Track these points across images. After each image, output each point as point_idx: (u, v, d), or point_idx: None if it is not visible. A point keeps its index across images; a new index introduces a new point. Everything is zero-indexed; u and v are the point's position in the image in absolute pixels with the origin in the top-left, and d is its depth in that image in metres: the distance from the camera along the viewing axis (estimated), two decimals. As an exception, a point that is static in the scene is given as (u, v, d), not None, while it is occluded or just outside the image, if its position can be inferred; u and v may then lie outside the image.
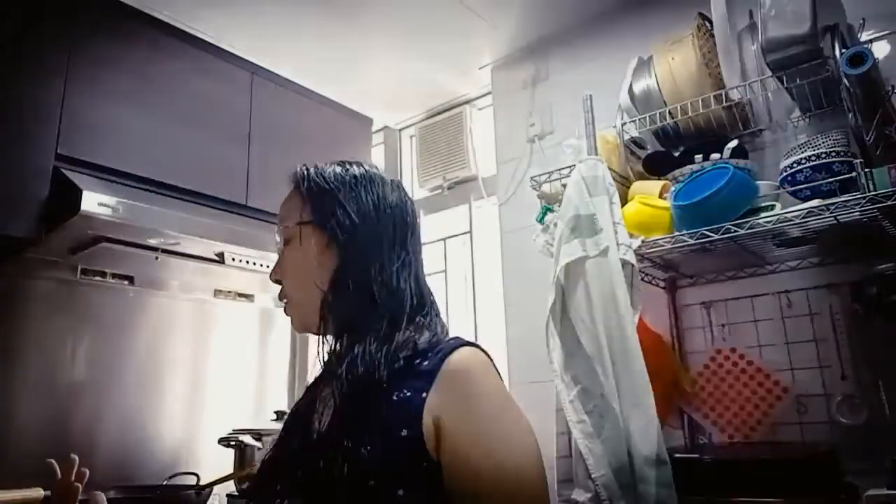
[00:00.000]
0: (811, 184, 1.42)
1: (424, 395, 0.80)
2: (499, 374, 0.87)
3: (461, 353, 0.83)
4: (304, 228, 0.94)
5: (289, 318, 0.98)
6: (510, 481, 0.77)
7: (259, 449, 1.97)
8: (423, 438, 0.77)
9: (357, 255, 0.91)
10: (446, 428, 0.78)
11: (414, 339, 0.86)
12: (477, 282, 2.61)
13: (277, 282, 0.97)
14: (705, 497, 1.33)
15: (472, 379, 0.82)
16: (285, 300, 0.97)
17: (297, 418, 0.94)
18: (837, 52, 1.40)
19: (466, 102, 2.77)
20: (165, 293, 2.25)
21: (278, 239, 0.99)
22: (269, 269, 1.00)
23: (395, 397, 0.80)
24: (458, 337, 0.89)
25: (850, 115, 1.39)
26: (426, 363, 0.83)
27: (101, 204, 1.59)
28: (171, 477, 2.01)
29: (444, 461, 0.77)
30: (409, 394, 0.80)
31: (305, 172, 0.99)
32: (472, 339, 0.89)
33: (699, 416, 1.79)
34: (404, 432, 0.78)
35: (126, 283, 2.14)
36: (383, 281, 0.90)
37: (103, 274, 2.09)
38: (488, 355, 0.87)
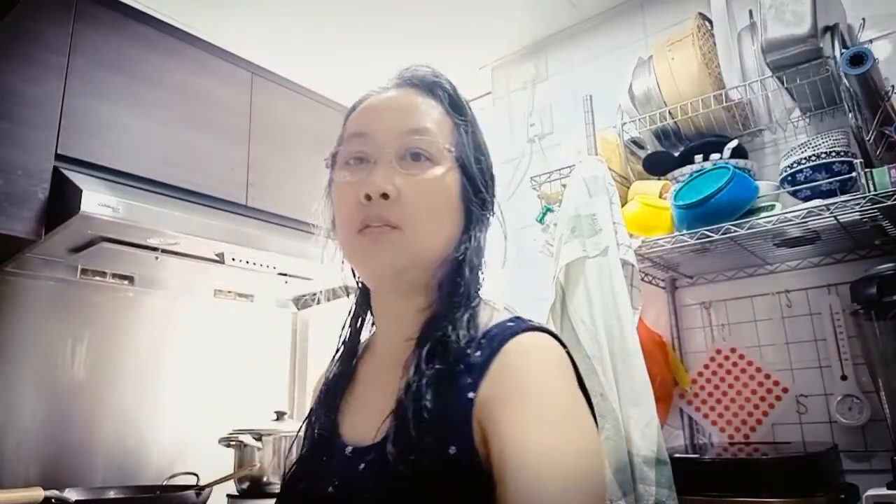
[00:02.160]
0: (811, 184, 1.43)
1: (471, 395, 0.65)
2: (573, 366, 0.70)
3: (520, 341, 0.68)
4: (449, 156, 0.76)
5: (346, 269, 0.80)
6: (556, 493, 0.57)
7: (259, 449, 1.97)
8: (476, 457, 0.62)
9: (484, 225, 0.81)
10: (491, 431, 0.62)
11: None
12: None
13: (385, 196, 0.71)
14: (705, 497, 1.33)
15: (530, 370, 0.66)
16: (389, 225, 0.71)
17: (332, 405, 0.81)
18: (837, 52, 1.41)
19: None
20: (165, 293, 2.25)
21: (412, 146, 0.74)
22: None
23: (451, 396, 0.66)
24: (519, 318, 0.73)
25: (851, 115, 1.39)
26: (478, 353, 0.68)
27: (101, 204, 1.59)
28: (170, 477, 2.01)
29: (493, 469, 0.61)
30: (455, 394, 0.66)
31: (447, 84, 0.81)
32: (539, 323, 0.72)
33: (699, 417, 1.80)
34: (452, 450, 0.63)
35: (126, 282, 2.14)
36: (481, 253, 0.79)
37: (103, 274, 2.08)
38: (560, 341, 0.71)
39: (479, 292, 0.77)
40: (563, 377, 0.67)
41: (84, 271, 2.03)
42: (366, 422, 0.73)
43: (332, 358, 0.86)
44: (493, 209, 0.83)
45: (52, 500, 1.64)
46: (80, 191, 1.56)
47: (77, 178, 1.64)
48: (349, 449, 0.73)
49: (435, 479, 0.62)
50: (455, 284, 0.74)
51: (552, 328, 1.50)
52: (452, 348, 0.68)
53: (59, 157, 1.68)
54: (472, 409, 0.64)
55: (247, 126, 2.16)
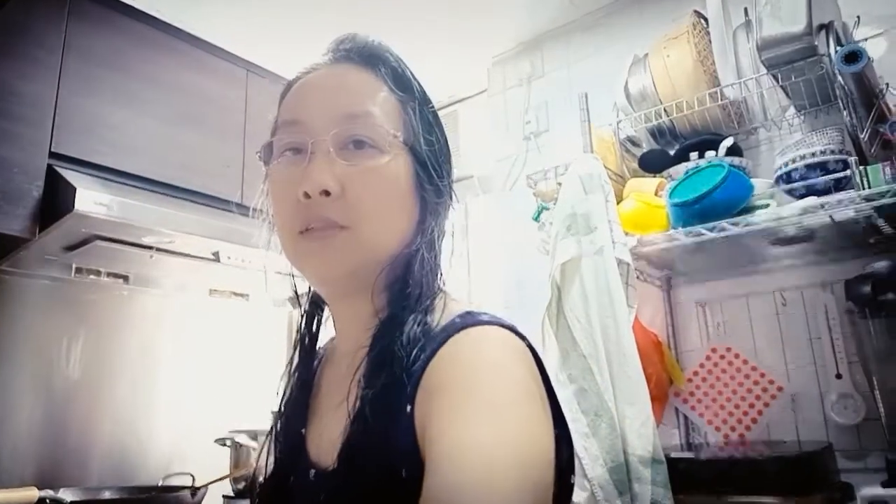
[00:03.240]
0: (806, 182, 1.43)
1: (409, 408, 0.57)
2: (535, 361, 0.64)
3: (459, 340, 0.59)
4: (396, 142, 0.67)
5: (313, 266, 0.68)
6: (477, 486, 0.47)
7: (254, 449, 1.96)
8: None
9: (440, 213, 0.71)
10: (429, 443, 0.53)
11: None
12: (473, 280, 2.61)
13: (325, 193, 0.63)
14: (701, 496, 1.33)
15: (466, 367, 0.57)
16: (340, 226, 0.64)
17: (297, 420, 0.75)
18: (832, 50, 1.41)
19: (461, 101, 2.77)
20: (160, 292, 2.24)
21: (353, 132, 0.65)
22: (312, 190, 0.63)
23: (396, 410, 0.58)
24: (470, 312, 0.64)
25: (845, 113, 1.39)
26: (421, 355, 0.60)
27: (95, 202, 1.59)
28: (166, 477, 2.00)
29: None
30: (397, 408, 0.58)
31: (390, 56, 0.72)
32: (495, 317, 0.65)
33: (695, 416, 1.80)
34: (404, 472, 0.55)
35: (121, 281, 2.14)
36: (437, 245, 0.71)
37: (98, 272, 2.08)
38: (520, 335, 0.65)
39: (438, 288, 0.70)
40: (507, 367, 0.58)
41: (79, 270, 2.03)
42: (327, 441, 0.66)
43: (287, 368, 0.78)
44: (450, 194, 0.73)
45: (47, 501, 1.63)
46: (74, 189, 1.55)
47: (71, 176, 1.64)
48: (312, 472, 0.67)
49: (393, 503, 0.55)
50: (405, 283, 0.66)
51: (548, 327, 1.51)
52: (399, 357, 0.60)
53: (52, 155, 1.67)
54: (413, 423, 0.56)
55: (242, 123, 2.15)
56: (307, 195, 0.63)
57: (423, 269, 0.67)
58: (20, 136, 1.63)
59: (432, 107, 0.75)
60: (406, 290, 0.66)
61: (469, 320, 0.62)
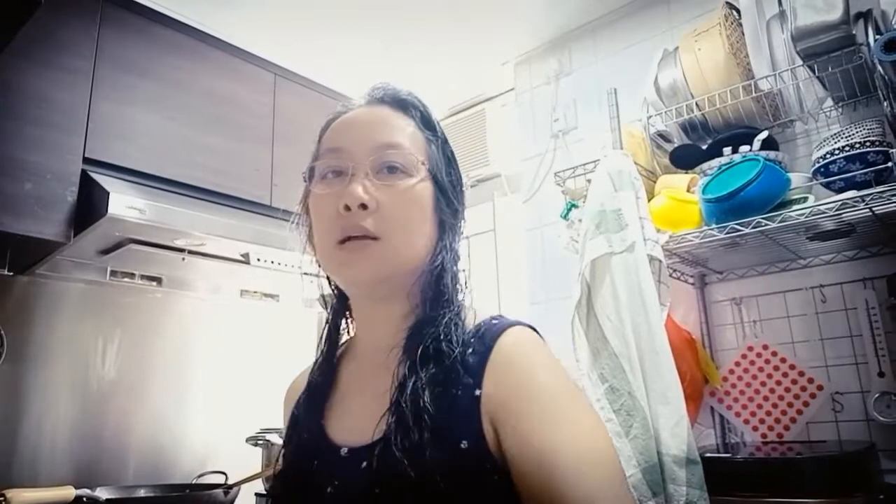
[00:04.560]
0: (845, 175, 1.38)
1: (478, 392, 0.69)
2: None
3: (511, 337, 0.72)
4: (423, 169, 0.78)
5: (353, 268, 0.76)
6: (590, 476, 0.63)
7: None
8: (487, 449, 0.67)
9: (455, 234, 0.83)
10: (505, 424, 0.67)
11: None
12: (501, 280, 2.60)
13: (363, 206, 0.73)
14: (738, 497, 1.30)
15: (528, 364, 0.70)
16: (371, 237, 0.74)
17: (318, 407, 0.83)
18: (871, 39, 1.36)
19: (488, 99, 2.76)
20: (193, 294, 2.27)
21: (387, 159, 0.77)
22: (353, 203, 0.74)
23: (453, 394, 0.70)
24: (500, 315, 0.77)
25: (885, 104, 1.35)
26: (470, 351, 0.72)
27: (128, 206, 1.61)
28: (199, 476, 2.03)
29: (512, 464, 0.66)
30: (460, 392, 0.70)
31: (418, 102, 0.84)
32: (517, 318, 0.77)
33: (731, 415, 1.76)
34: (464, 444, 0.67)
35: (154, 284, 2.17)
36: (458, 260, 0.83)
37: (132, 275, 2.11)
38: (539, 334, 0.76)
39: (461, 297, 0.81)
40: (558, 367, 0.72)
41: (113, 273, 2.06)
42: (356, 424, 0.76)
43: (312, 365, 0.89)
44: (464, 219, 0.85)
45: (84, 499, 1.67)
46: (108, 193, 1.58)
47: (104, 180, 1.67)
48: (344, 450, 0.75)
49: (445, 471, 0.65)
50: (438, 291, 0.78)
51: (577, 325, 1.49)
52: (444, 350, 0.72)
53: (86, 161, 1.71)
54: (480, 405, 0.68)
55: (270, 127, 2.17)
56: (347, 208, 0.73)
57: (451, 278, 0.79)
58: (54, 142, 1.66)
59: (451, 147, 0.86)
60: (441, 296, 0.77)
61: (504, 321, 0.75)
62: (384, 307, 0.80)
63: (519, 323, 0.75)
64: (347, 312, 0.89)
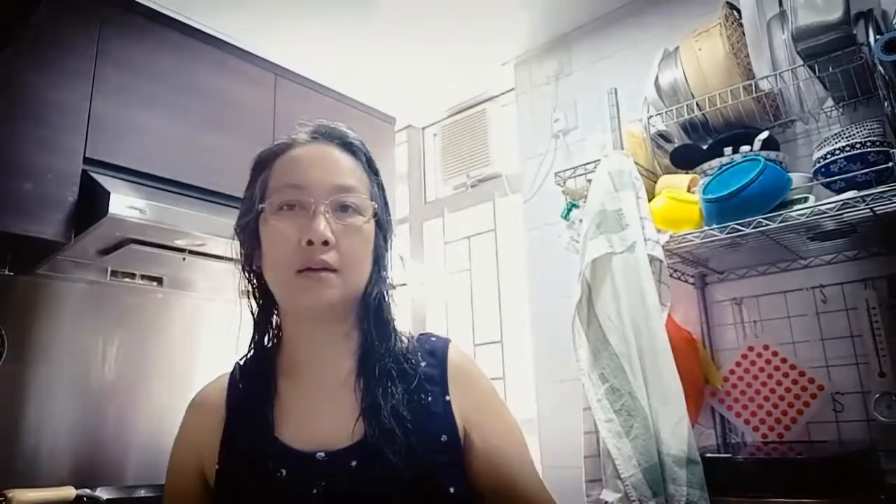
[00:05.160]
0: (846, 175, 1.38)
1: (447, 398, 0.86)
2: None
3: (456, 352, 0.91)
4: (371, 210, 0.89)
5: (319, 288, 0.84)
6: (530, 466, 0.89)
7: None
8: (460, 443, 0.84)
9: (386, 260, 0.93)
10: (474, 427, 0.86)
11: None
12: (501, 279, 2.60)
13: (325, 243, 0.82)
14: (738, 497, 1.30)
15: (477, 376, 0.92)
16: (330, 270, 0.83)
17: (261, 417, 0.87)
18: (871, 39, 1.36)
19: (489, 99, 2.76)
20: (194, 294, 2.27)
21: (345, 200, 0.86)
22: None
23: (423, 400, 0.85)
24: (426, 332, 0.96)
25: (886, 104, 1.35)
26: (424, 364, 0.88)
27: (128, 206, 1.61)
28: (200, 476, 2.03)
29: (474, 457, 0.84)
30: (430, 398, 0.85)
31: (362, 145, 0.94)
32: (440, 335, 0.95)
33: (731, 415, 1.76)
34: (444, 437, 0.83)
35: (155, 284, 2.17)
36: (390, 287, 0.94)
37: (133, 275, 2.11)
38: None
39: (394, 318, 0.93)
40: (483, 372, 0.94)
41: (114, 273, 2.06)
42: (322, 432, 0.83)
43: (233, 377, 0.94)
44: (391, 250, 0.96)
45: (84, 499, 1.66)
46: (108, 193, 1.58)
47: (105, 180, 1.66)
48: (320, 454, 0.81)
49: (429, 463, 0.80)
50: (380, 315, 0.90)
51: (578, 326, 1.49)
52: (406, 366, 0.86)
53: (87, 161, 1.70)
54: (452, 407, 0.86)
55: (271, 127, 2.17)
56: (310, 243, 0.81)
57: (388, 303, 0.92)
58: (55, 142, 1.66)
59: (383, 185, 0.96)
60: (383, 320, 0.90)
61: (441, 338, 0.94)
62: (325, 326, 0.88)
63: (449, 340, 0.94)
64: (270, 328, 0.95)
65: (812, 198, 1.41)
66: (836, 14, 1.40)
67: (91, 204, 1.63)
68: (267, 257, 0.87)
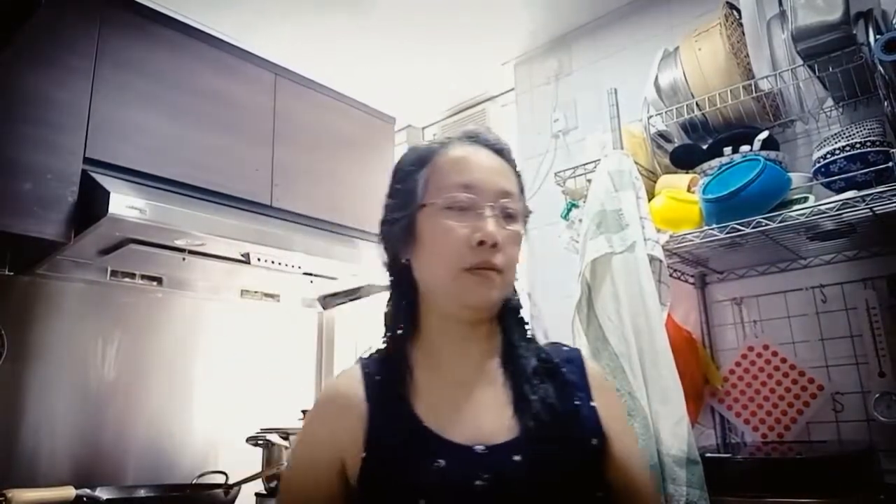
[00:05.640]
0: (846, 174, 1.38)
1: (592, 404, 0.91)
2: None
3: (591, 362, 0.98)
4: (524, 216, 0.95)
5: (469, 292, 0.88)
6: (652, 483, 0.97)
7: (286, 448, 1.97)
8: (605, 448, 0.88)
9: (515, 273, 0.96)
10: (614, 438, 0.89)
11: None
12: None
13: (494, 246, 0.87)
14: (738, 497, 1.30)
15: (613, 387, 1.03)
16: (497, 270, 0.88)
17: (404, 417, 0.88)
18: (871, 39, 1.36)
19: (489, 99, 2.76)
20: (193, 294, 2.27)
21: (509, 207, 0.91)
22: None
23: (572, 402, 0.89)
24: (556, 342, 1.03)
25: (886, 104, 1.35)
26: (566, 370, 0.93)
27: (128, 206, 1.61)
28: (199, 476, 2.03)
29: (609, 467, 0.88)
30: (577, 401, 0.90)
31: (511, 152, 0.98)
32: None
33: (731, 415, 1.76)
34: (594, 441, 0.87)
35: (155, 283, 2.17)
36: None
37: (132, 275, 2.11)
38: None
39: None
40: None
41: (114, 273, 2.06)
42: (473, 424, 0.86)
43: (366, 368, 0.93)
44: None
45: (84, 499, 1.66)
46: (108, 193, 1.58)
47: (105, 180, 1.66)
48: (480, 448, 0.83)
49: (581, 464, 0.85)
50: (519, 319, 0.96)
51: (578, 325, 1.49)
52: (545, 361, 0.93)
53: (87, 161, 1.70)
54: (598, 414, 0.90)
55: (271, 127, 2.17)
56: (482, 243, 0.86)
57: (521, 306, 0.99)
58: (54, 142, 1.66)
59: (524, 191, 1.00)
60: (522, 319, 0.97)
61: (573, 348, 1.03)
62: (473, 324, 0.92)
63: (579, 349, 1.02)
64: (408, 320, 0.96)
65: (812, 198, 1.41)
66: (836, 14, 1.40)
67: (91, 204, 1.63)
68: (430, 252, 0.90)
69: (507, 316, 0.95)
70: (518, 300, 0.97)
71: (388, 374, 0.91)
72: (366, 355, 0.96)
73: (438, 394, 0.89)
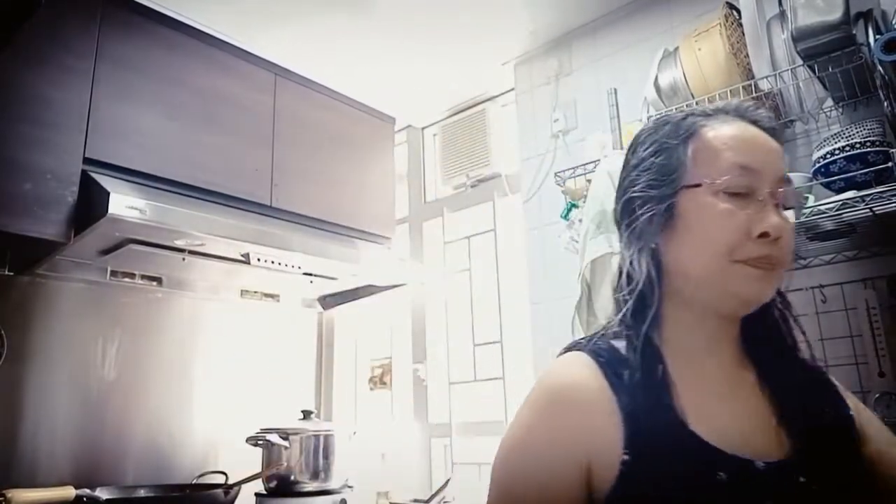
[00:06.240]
0: (845, 175, 1.38)
1: (851, 412, 0.81)
2: None
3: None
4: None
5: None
6: None
7: (286, 448, 1.98)
8: (865, 463, 0.78)
9: None
10: (870, 445, 0.79)
11: None
12: (501, 280, 2.60)
13: (777, 239, 0.76)
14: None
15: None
16: (773, 266, 0.77)
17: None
18: (871, 39, 1.36)
19: (489, 99, 2.76)
20: (193, 294, 2.27)
21: (786, 195, 0.79)
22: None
23: (836, 413, 0.81)
24: None
25: (886, 104, 1.35)
26: (814, 372, 0.84)
27: (128, 206, 1.61)
28: (199, 476, 2.03)
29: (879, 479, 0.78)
30: (846, 413, 0.81)
31: (782, 135, 0.90)
32: None
33: (731, 415, 1.76)
34: (858, 456, 0.78)
35: (155, 284, 2.17)
36: None
37: (132, 275, 2.12)
38: None
39: None
40: None
41: (114, 273, 2.06)
42: (744, 434, 0.74)
43: (600, 359, 0.78)
44: None
45: (84, 499, 1.67)
46: (108, 193, 1.58)
47: (104, 180, 1.66)
48: (760, 463, 0.71)
49: (856, 485, 0.75)
50: (769, 317, 0.84)
51: (578, 325, 1.49)
52: (811, 372, 0.84)
53: (86, 161, 1.70)
54: (855, 423, 0.80)
55: (270, 127, 2.17)
56: (764, 234, 0.75)
57: None
58: (54, 142, 1.66)
59: None
60: (787, 319, 0.86)
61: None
62: (728, 321, 0.82)
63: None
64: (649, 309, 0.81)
65: (812, 198, 1.41)
66: (836, 14, 1.40)
67: (91, 204, 1.63)
68: (694, 238, 0.78)
69: (765, 315, 0.83)
70: (784, 297, 0.86)
71: (638, 367, 0.75)
72: (596, 343, 0.81)
73: (696, 395, 0.76)
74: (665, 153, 0.82)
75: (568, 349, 0.83)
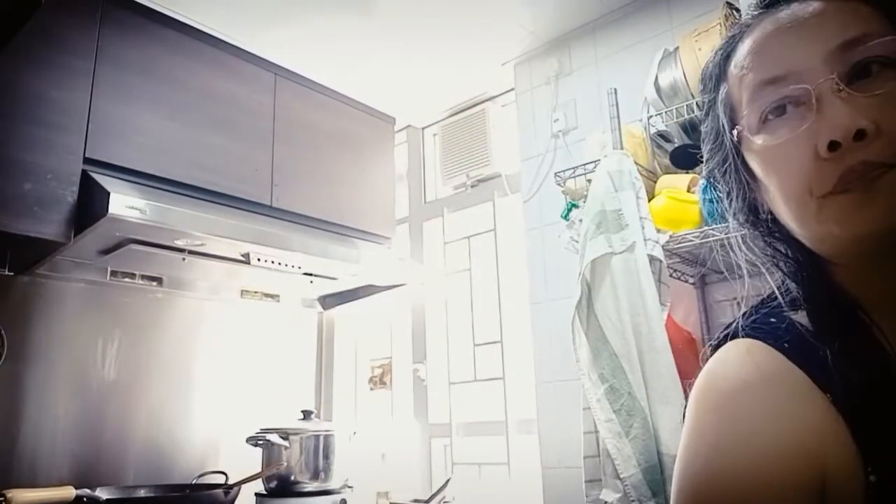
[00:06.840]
0: (845, 175, 1.38)
1: None
2: None
3: None
4: None
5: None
6: None
7: (286, 448, 1.98)
8: None
9: None
10: None
11: None
12: (501, 279, 2.60)
13: (858, 136, 0.51)
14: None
15: None
16: (878, 169, 0.52)
17: None
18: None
19: (489, 99, 2.76)
20: (193, 294, 2.27)
21: (860, 58, 0.54)
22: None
23: None
24: None
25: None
26: None
27: (128, 206, 1.61)
28: (199, 476, 2.03)
29: None
30: None
31: None
32: None
33: (731, 415, 1.76)
34: None
35: (155, 284, 2.17)
36: None
37: (132, 275, 2.12)
38: None
39: None
40: None
41: (114, 273, 2.06)
42: None
43: (778, 339, 0.61)
44: None
45: (84, 499, 1.67)
46: (108, 193, 1.58)
47: (105, 180, 1.66)
48: None
49: None
50: None
51: (578, 326, 1.49)
52: None
53: (87, 161, 1.70)
54: None
55: (271, 127, 2.17)
56: (834, 145, 0.52)
57: None
58: (54, 142, 1.66)
59: None
60: None
61: None
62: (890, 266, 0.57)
63: None
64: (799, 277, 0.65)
65: None
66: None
67: (91, 204, 1.64)
68: (774, 194, 0.60)
69: None
70: None
71: (842, 352, 0.56)
72: (754, 320, 0.67)
73: None
74: (710, 116, 0.69)
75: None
